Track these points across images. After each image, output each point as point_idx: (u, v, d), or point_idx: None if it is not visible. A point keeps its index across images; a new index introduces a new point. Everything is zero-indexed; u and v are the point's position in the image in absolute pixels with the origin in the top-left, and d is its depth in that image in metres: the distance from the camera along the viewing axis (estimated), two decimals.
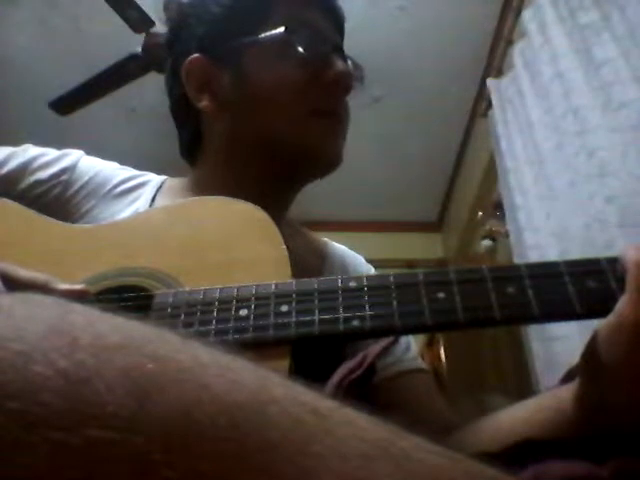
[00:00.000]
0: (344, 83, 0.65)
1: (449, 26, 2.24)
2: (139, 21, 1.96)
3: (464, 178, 2.87)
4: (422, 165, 2.87)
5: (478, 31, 2.26)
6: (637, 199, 1.24)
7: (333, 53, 0.66)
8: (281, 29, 0.64)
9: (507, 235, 1.95)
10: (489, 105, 2.09)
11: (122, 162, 0.75)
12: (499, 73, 2.13)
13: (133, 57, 2.06)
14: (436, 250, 3.16)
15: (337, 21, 0.71)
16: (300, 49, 0.63)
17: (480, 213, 2.54)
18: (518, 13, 1.96)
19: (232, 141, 0.68)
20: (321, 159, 0.66)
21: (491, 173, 2.27)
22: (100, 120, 2.42)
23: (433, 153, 2.83)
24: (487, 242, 2.41)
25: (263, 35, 0.64)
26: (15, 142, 0.70)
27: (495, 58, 2.20)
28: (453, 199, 3.07)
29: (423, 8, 2.19)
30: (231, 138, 0.68)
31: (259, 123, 0.65)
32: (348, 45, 0.72)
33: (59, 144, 0.72)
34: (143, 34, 2.01)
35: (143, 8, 1.94)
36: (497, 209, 2.24)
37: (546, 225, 1.60)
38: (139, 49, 2.03)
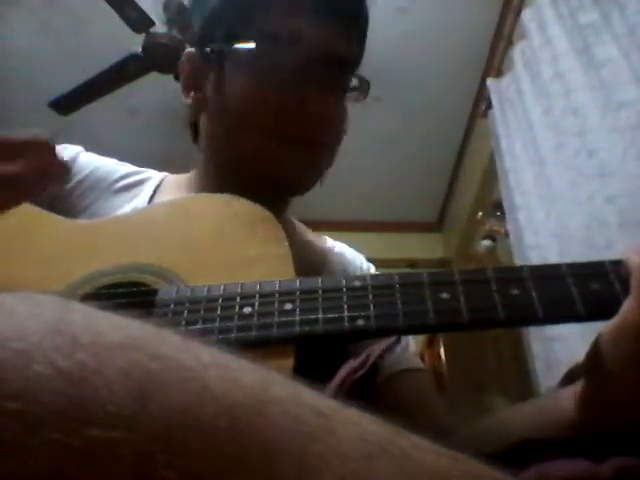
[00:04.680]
0: (316, 116, 0.59)
1: (449, 26, 2.24)
2: (139, 21, 1.96)
3: (464, 178, 2.87)
4: (422, 165, 2.87)
5: (478, 31, 2.26)
6: (637, 199, 1.24)
7: (312, 74, 0.59)
8: (252, 44, 0.59)
9: (507, 235, 1.95)
10: (489, 105, 2.09)
11: (122, 161, 0.75)
12: (499, 73, 2.13)
13: (133, 57, 2.06)
14: (436, 250, 3.16)
15: (345, 27, 0.62)
16: (268, 67, 0.59)
17: (480, 213, 2.54)
18: (518, 13, 1.95)
19: (210, 141, 0.67)
20: (286, 186, 0.63)
21: (491, 173, 2.27)
22: (100, 120, 2.42)
23: (433, 153, 2.83)
24: (487, 242, 2.41)
25: (237, 46, 0.61)
26: None
27: (495, 58, 2.19)
28: (453, 199, 3.07)
29: (423, 9, 2.19)
30: (210, 138, 0.67)
31: (228, 133, 0.63)
32: None
33: (59, 144, 0.72)
34: (143, 34, 2.01)
35: (143, 8, 1.94)
36: (497, 209, 2.24)
37: (546, 225, 1.60)
38: (139, 49, 2.04)
